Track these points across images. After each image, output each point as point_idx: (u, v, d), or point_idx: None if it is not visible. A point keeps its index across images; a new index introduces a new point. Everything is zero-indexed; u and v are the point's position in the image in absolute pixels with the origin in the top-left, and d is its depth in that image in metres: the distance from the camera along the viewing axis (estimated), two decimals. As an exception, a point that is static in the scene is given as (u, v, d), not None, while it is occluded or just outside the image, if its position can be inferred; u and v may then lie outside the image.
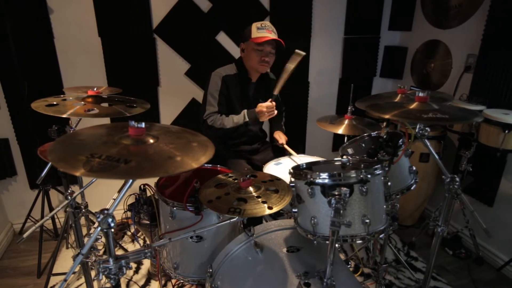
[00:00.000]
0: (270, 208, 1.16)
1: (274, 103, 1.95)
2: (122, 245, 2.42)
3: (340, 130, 1.95)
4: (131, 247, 2.41)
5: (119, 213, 2.42)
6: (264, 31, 1.92)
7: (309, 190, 1.21)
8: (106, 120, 2.44)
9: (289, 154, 2.11)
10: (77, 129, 1.06)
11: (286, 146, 2.16)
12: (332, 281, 1.14)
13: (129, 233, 2.56)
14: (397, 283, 2.09)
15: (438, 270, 2.23)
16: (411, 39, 2.84)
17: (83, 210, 1.38)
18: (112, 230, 1.06)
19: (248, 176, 1.27)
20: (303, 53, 1.89)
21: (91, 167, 0.84)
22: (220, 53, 2.55)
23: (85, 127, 1.14)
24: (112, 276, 1.10)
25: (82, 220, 2.53)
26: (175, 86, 2.55)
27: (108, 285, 1.11)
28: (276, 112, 1.99)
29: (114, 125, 1.13)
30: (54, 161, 0.87)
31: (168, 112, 2.60)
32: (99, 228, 1.03)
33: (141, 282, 2.07)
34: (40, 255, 2.15)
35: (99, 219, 1.02)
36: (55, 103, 1.39)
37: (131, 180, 1.08)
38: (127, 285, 2.05)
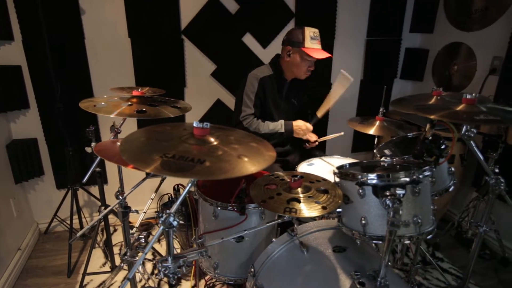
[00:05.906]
0: (324, 208, 1.18)
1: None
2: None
3: (371, 131, 1.98)
4: (157, 247, 2.41)
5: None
6: (316, 42, 1.95)
7: (360, 190, 1.22)
8: (133, 121, 2.47)
9: (320, 149, 2.16)
10: (134, 131, 1.07)
11: (321, 139, 2.21)
12: (385, 281, 1.15)
13: (153, 232, 2.57)
14: (426, 283, 2.11)
15: (464, 270, 2.23)
16: (433, 41, 2.85)
17: (133, 210, 1.39)
18: (174, 229, 1.08)
19: (298, 176, 1.28)
20: (351, 78, 2.04)
21: (169, 167, 0.86)
22: (246, 54, 2.57)
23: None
24: (171, 275, 1.12)
25: (111, 220, 2.55)
26: (201, 87, 2.56)
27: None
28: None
29: (172, 126, 1.14)
30: (130, 160, 0.88)
31: (193, 113, 2.59)
32: (162, 228, 1.05)
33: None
34: (70, 255, 2.16)
35: (162, 219, 1.03)
36: (103, 103, 1.40)
37: (193, 180, 1.10)
38: (158, 284, 2.06)
